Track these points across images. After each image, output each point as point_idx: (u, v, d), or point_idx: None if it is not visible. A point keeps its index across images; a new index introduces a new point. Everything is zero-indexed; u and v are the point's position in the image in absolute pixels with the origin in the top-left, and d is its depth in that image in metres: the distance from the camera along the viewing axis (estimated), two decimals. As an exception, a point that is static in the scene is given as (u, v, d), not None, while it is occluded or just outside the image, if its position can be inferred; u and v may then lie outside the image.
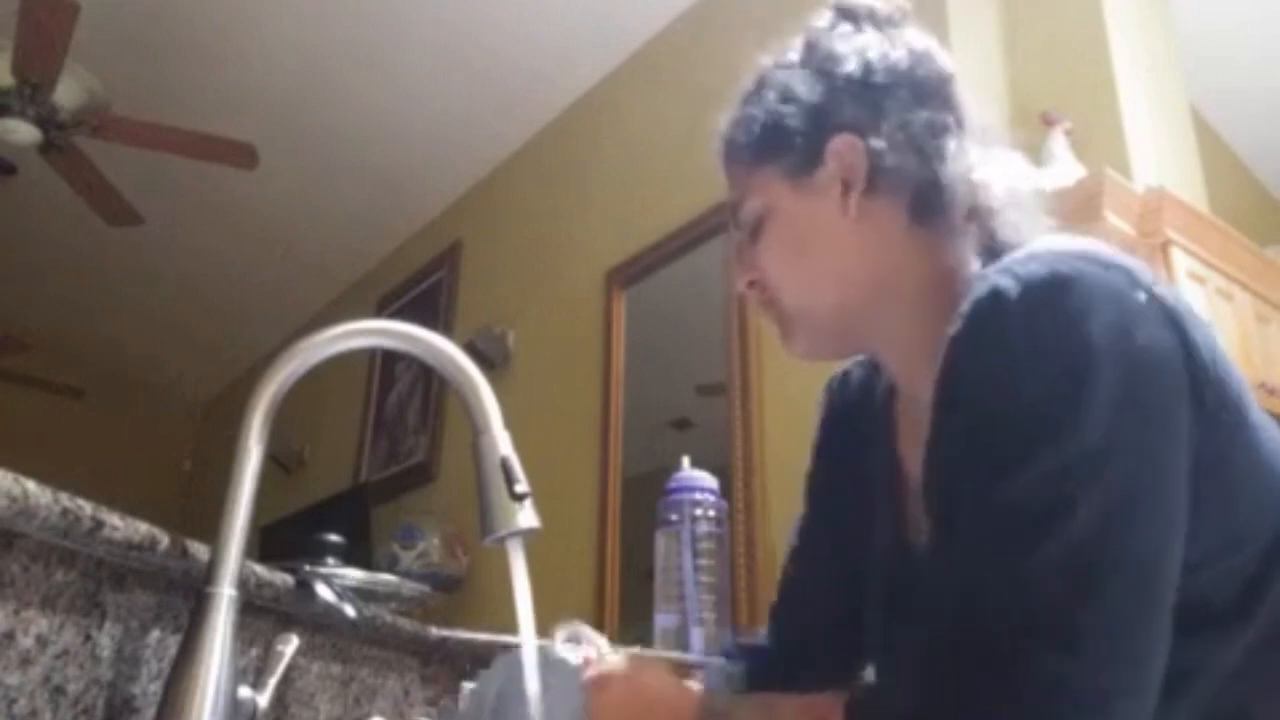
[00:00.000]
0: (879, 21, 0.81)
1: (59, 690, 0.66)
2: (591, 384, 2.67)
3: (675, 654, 1.39)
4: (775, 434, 2.15)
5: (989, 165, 0.77)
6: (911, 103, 0.77)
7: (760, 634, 1.02)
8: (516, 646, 0.81)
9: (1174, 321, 0.61)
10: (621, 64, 3.09)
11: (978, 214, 0.75)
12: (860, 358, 0.95)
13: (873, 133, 0.75)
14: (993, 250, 0.73)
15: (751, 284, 0.83)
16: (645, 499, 1.61)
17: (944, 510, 0.64)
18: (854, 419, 0.93)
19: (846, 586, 0.90)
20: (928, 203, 0.75)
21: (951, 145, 0.76)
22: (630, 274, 2.71)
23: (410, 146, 3.57)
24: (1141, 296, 0.61)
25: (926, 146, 0.76)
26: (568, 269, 3.00)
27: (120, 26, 3.03)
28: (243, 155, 3.10)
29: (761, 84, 0.82)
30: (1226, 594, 0.62)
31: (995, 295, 0.61)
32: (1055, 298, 0.60)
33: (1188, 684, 0.60)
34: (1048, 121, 1.99)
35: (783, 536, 2.22)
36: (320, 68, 3.25)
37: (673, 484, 1.49)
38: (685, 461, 1.51)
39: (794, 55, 0.82)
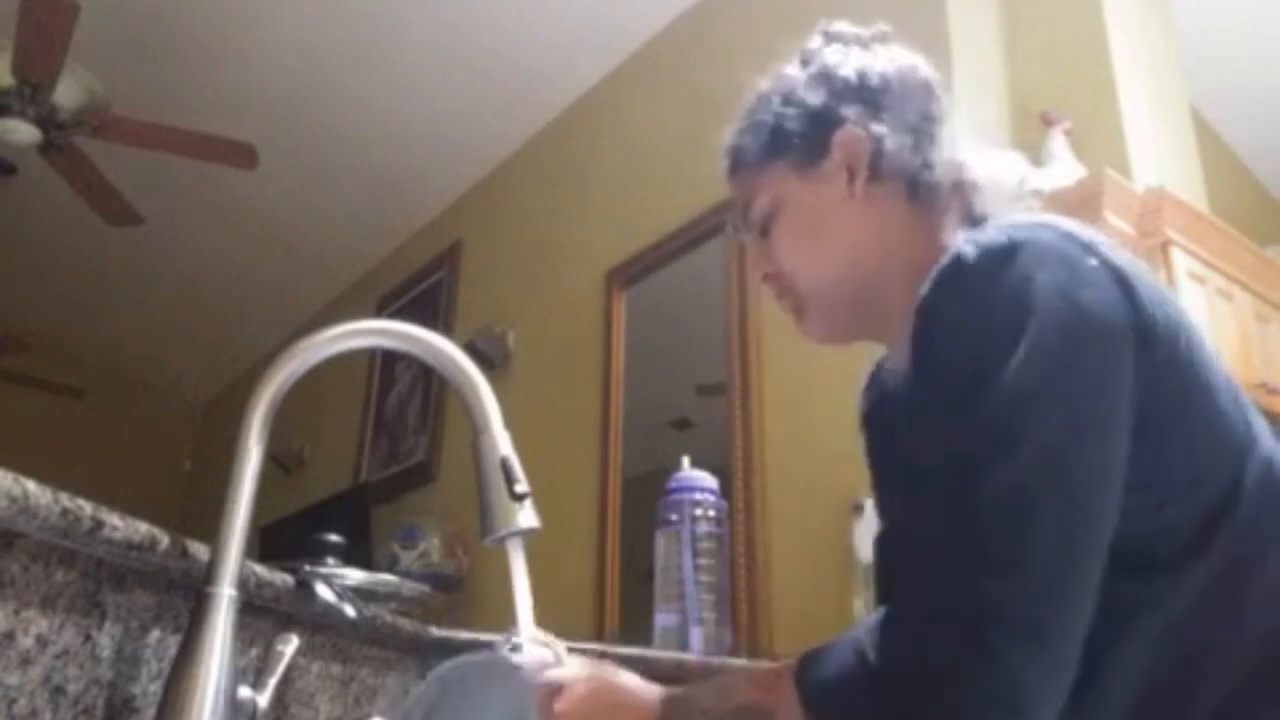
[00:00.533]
0: (865, 42, 0.90)
1: (59, 690, 0.66)
2: (591, 384, 2.67)
3: (673, 653, 1.39)
4: (775, 434, 2.15)
5: (973, 152, 0.86)
6: (903, 100, 0.86)
7: None
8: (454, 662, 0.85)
9: (1124, 284, 0.66)
10: (621, 64, 3.09)
11: (961, 190, 0.84)
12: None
13: (873, 125, 0.84)
14: (974, 224, 0.81)
15: (767, 277, 0.90)
16: (645, 499, 1.61)
17: (903, 454, 0.72)
18: (879, 405, 0.97)
19: None
20: (922, 184, 0.84)
21: (939, 133, 0.85)
22: (630, 274, 2.71)
23: (410, 146, 3.57)
24: (1093, 261, 0.67)
25: (919, 135, 0.85)
26: (568, 269, 3.00)
27: (120, 26, 3.02)
28: (243, 155, 3.10)
29: (764, 96, 0.90)
30: (1186, 529, 0.65)
31: (956, 259, 0.68)
32: (1007, 259, 0.66)
33: (1143, 618, 0.64)
34: (1048, 121, 1.99)
35: (783, 536, 2.23)
36: (320, 68, 3.25)
37: (673, 484, 1.49)
38: (685, 461, 1.51)
39: (792, 70, 0.90)
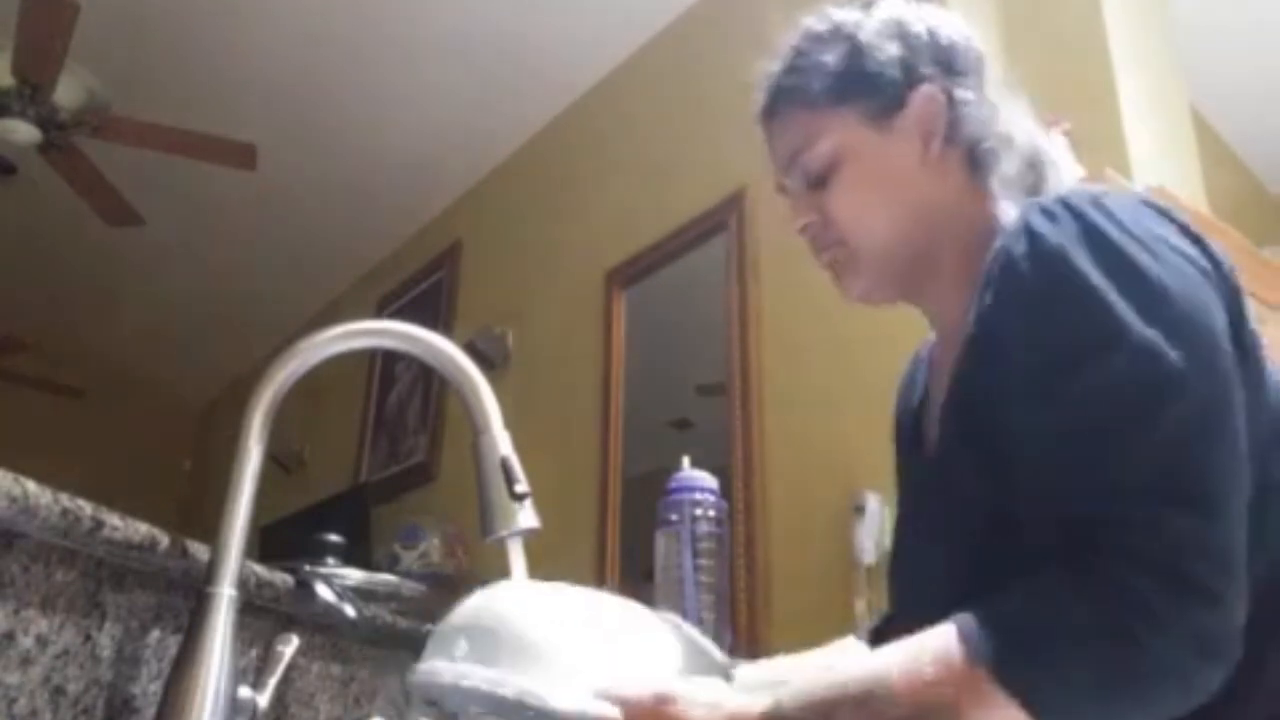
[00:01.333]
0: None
1: (59, 690, 0.66)
2: (591, 384, 2.67)
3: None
4: (775, 434, 2.15)
5: (1039, 132, 0.86)
6: (973, 66, 0.84)
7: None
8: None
9: (1202, 246, 0.69)
10: (622, 64, 3.09)
11: (1037, 168, 0.84)
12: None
13: (954, 87, 0.82)
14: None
15: (809, 228, 0.85)
16: (645, 499, 1.61)
17: (991, 417, 0.68)
18: (908, 389, 0.96)
19: None
20: (988, 155, 0.82)
21: (1010, 106, 0.84)
22: (630, 274, 2.71)
23: (410, 146, 3.57)
24: (1173, 224, 0.69)
25: (988, 104, 0.83)
26: (568, 269, 3.00)
27: (120, 26, 3.02)
28: (243, 155, 3.10)
29: (819, 36, 0.85)
30: None
31: (1046, 211, 0.69)
32: (1103, 210, 0.67)
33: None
34: (1047, 122, 1.98)
35: (783, 536, 2.23)
36: (320, 68, 3.25)
37: (673, 484, 1.48)
38: (685, 461, 1.51)
39: (850, 14, 0.85)
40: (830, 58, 0.83)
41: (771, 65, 0.87)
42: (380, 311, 3.89)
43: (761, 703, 0.64)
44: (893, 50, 0.82)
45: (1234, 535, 0.59)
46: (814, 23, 0.86)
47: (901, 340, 1.03)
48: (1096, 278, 0.64)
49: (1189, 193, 2.12)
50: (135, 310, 4.87)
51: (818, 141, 0.82)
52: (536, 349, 3.05)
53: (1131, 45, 2.20)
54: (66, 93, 2.95)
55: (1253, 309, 0.71)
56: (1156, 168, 2.06)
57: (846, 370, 1.98)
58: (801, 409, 2.11)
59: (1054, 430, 0.64)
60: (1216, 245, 0.70)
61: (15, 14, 2.56)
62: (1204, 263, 0.68)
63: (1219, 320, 0.65)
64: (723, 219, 2.43)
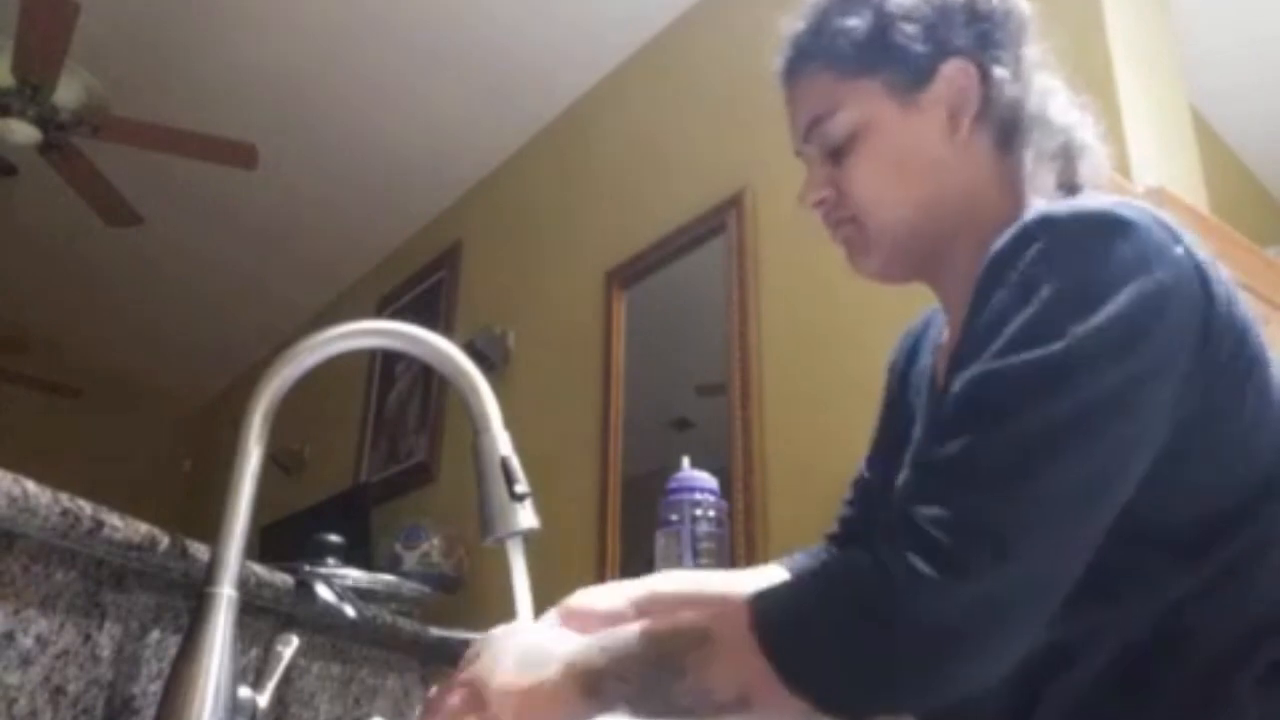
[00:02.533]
0: None
1: (59, 690, 0.66)
2: (591, 384, 2.67)
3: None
4: (775, 434, 2.15)
5: (1076, 115, 0.81)
6: (1012, 37, 0.79)
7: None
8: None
9: (1202, 277, 0.65)
10: (621, 64, 3.09)
11: (1068, 154, 0.79)
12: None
13: (988, 61, 0.77)
14: (1071, 190, 0.77)
15: (823, 202, 0.81)
16: (645, 499, 1.61)
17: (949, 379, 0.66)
18: (908, 362, 0.94)
19: None
20: (1019, 136, 0.78)
21: (1047, 84, 0.79)
22: (630, 274, 2.71)
23: (410, 146, 3.57)
24: (1179, 250, 0.65)
25: (1025, 81, 0.78)
26: (568, 269, 3.00)
27: (120, 26, 3.02)
28: (243, 155, 3.10)
29: None
30: (1217, 516, 0.64)
31: (1048, 218, 0.65)
32: (1105, 227, 0.64)
33: (1156, 594, 0.63)
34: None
35: (783, 537, 2.23)
36: (320, 68, 3.25)
37: (673, 484, 1.48)
38: (685, 461, 1.51)
39: None
40: (857, 21, 0.77)
41: (795, 23, 0.82)
42: (380, 311, 3.89)
43: (561, 673, 0.66)
44: (925, 17, 0.76)
45: (1033, 532, 0.57)
46: None
47: (902, 340, 1.03)
48: (1065, 282, 0.62)
49: (1189, 193, 2.12)
50: (135, 310, 4.87)
51: (839, 111, 0.78)
52: (536, 349, 3.05)
53: (1131, 45, 2.20)
54: (66, 93, 2.95)
55: (1264, 343, 0.69)
56: (1156, 168, 2.06)
57: (846, 370, 1.98)
58: (801, 409, 2.11)
59: (951, 397, 0.63)
60: (1219, 280, 0.67)
61: (15, 14, 2.56)
62: (1190, 300, 0.64)
63: (1159, 357, 0.62)
64: (723, 219, 2.43)
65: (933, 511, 0.57)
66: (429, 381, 3.47)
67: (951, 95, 0.76)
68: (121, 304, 4.83)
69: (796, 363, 2.16)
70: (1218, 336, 0.64)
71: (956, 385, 0.63)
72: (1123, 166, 1.97)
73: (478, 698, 0.68)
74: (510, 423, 0.83)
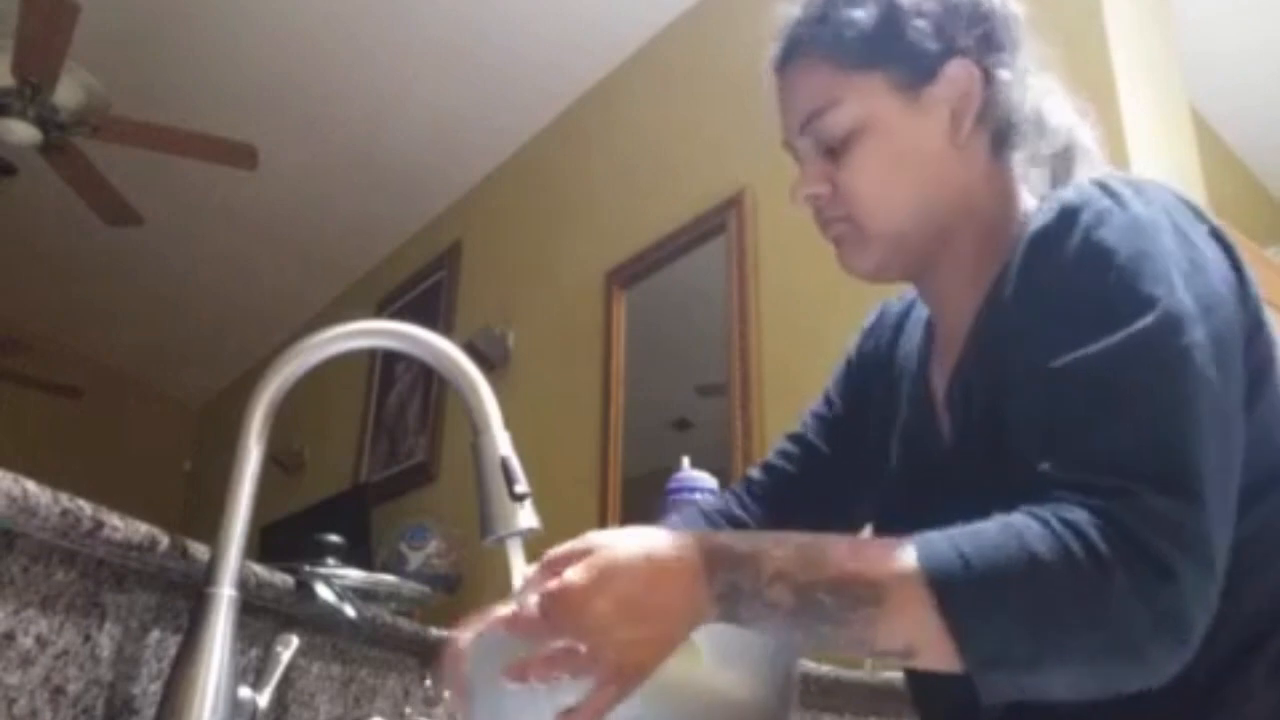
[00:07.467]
0: None
1: (59, 690, 0.66)
2: (591, 384, 2.67)
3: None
4: (775, 434, 2.13)
5: (1074, 116, 0.81)
6: (1013, 37, 0.78)
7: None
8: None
9: (1230, 252, 0.67)
10: (621, 64, 3.09)
11: (1069, 156, 0.80)
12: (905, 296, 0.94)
13: (991, 63, 0.76)
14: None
15: (816, 197, 0.79)
16: (645, 499, 1.61)
17: (1013, 384, 0.66)
18: (889, 347, 0.93)
19: (842, 487, 0.98)
20: (1017, 139, 0.78)
21: (1044, 86, 0.79)
22: (630, 274, 2.71)
23: (410, 146, 3.57)
24: (1204, 227, 0.67)
25: (1029, 85, 0.78)
26: (568, 269, 3.00)
27: (120, 26, 3.02)
28: (243, 155, 3.10)
29: None
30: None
31: (1081, 197, 0.66)
32: (1139, 199, 0.65)
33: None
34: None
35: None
36: (321, 68, 3.25)
37: (673, 484, 1.48)
38: (685, 461, 1.51)
39: None
40: (864, 14, 0.75)
41: (794, 10, 0.80)
42: (380, 311, 3.89)
43: (692, 554, 0.60)
44: (934, 14, 0.75)
45: (1210, 523, 0.56)
46: None
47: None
48: (1128, 250, 0.62)
49: (1190, 193, 2.11)
50: (135, 310, 4.87)
51: (839, 105, 0.75)
52: (536, 349, 3.05)
53: (1131, 45, 2.20)
54: (66, 93, 2.95)
55: (1273, 323, 0.69)
56: (1156, 168, 2.06)
57: (846, 370, 1.98)
58: (801, 409, 2.10)
59: (1058, 386, 0.62)
60: (1241, 253, 0.69)
61: (15, 14, 2.56)
62: (1227, 270, 0.66)
63: (1239, 321, 0.64)
64: (723, 219, 2.43)
65: (1132, 511, 0.56)
66: (429, 381, 3.47)
67: (954, 96, 0.75)
68: (122, 304, 4.83)
69: (796, 363, 2.16)
70: (1254, 305, 0.66)
71: (1056, 364, 0.61)
72: (1123, 166, 1.97)
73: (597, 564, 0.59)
74: (510, 423, 0.83)
